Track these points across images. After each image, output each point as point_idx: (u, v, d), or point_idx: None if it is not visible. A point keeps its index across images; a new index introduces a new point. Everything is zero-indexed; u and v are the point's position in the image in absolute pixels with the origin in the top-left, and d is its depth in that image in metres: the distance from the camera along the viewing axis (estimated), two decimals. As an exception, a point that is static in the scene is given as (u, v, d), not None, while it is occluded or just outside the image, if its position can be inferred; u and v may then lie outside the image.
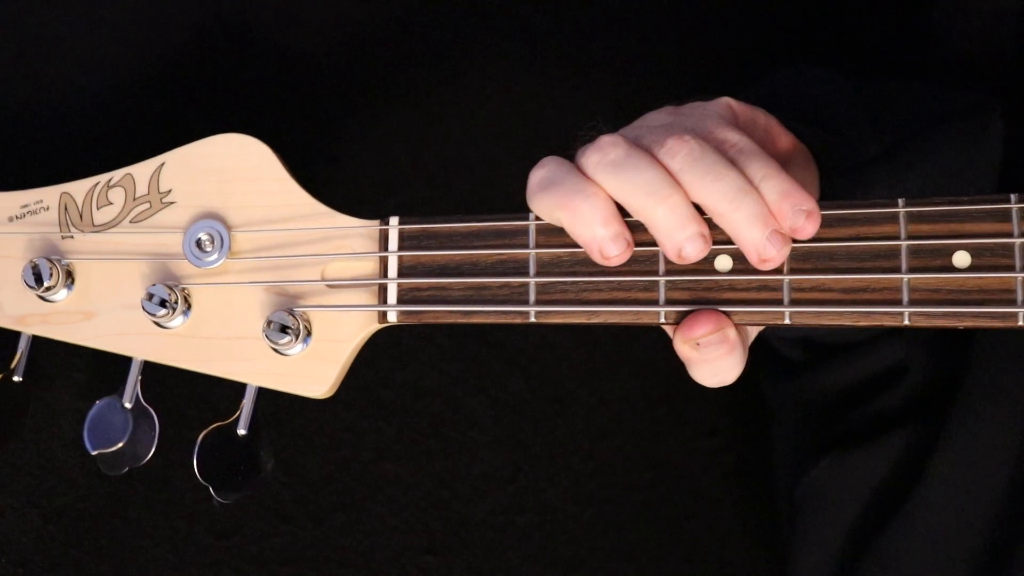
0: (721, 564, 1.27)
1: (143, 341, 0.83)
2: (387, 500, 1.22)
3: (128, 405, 0.83)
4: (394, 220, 0.81)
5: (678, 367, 0.79)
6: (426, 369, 1.23)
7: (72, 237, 0.84)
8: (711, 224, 0.77)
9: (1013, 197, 0.75)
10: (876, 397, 1.09)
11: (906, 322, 0.76)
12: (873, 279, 0.76)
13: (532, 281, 0.79)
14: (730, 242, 0.77)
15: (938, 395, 1.06)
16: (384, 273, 0.81)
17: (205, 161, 0.83)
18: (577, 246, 0.78)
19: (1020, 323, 0.74)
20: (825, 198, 0.90)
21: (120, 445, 0.83)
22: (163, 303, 0.81)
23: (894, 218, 0.76)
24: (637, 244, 0.78)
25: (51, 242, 0.84)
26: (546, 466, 1.24)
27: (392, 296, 0.81)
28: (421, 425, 1.23)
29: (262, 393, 0.83)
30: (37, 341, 0.85)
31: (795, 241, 0.76)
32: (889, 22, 1.27)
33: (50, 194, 0.85)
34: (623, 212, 0.77)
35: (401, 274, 0.81)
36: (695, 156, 0.75)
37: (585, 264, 0.79)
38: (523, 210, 0.80)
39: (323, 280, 0.81)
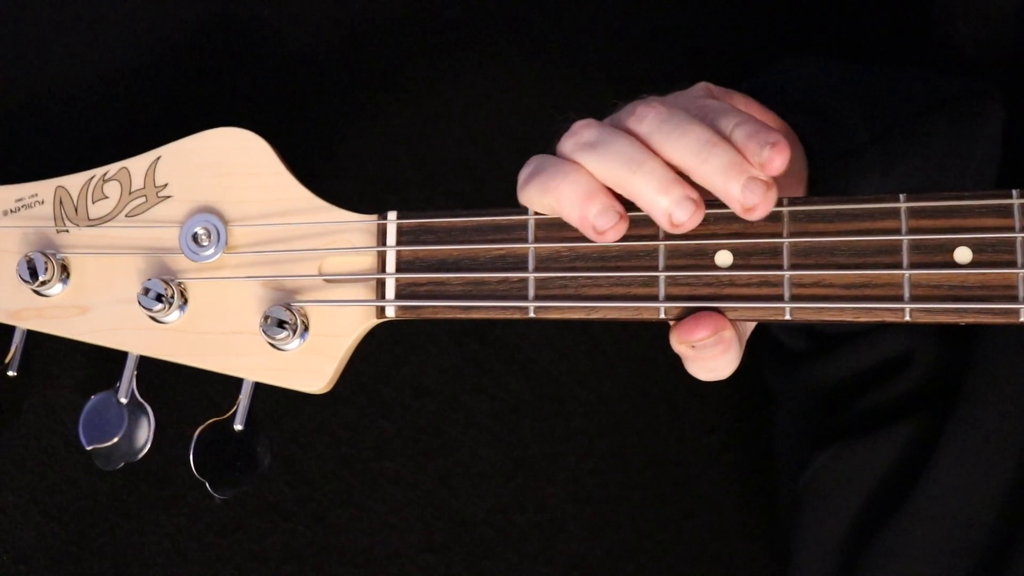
0: (720, 562, 1.27)
1: (139, 336, 0.83)
2: (387, 498, 1.22)
3: (124, 400, 0.83)
4: (392, 215, 0.81)
5: (677, 365, 0.79)
6: (426, 367, 1.23)
7: (67, 231, 0.84)
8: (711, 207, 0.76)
9: (1015, 192, 0.75)
10: (880, 388, 1.09)
11: (907, 318, 0.75)
12: (874, 275, 0.76)
13: (531, 276, 0.79)
14: (730, 237, 0.77)
15: (943, 386, 1.06)
16: (382, 268, 0.81)
17: (202, 155, 0.83)
18: (576, 241, 0.78)
19: (1022, 319, 0.74)
20: (816, 186, 0.89)
21: (115, 440, 0.83)
22: (159, 298, 0.80)
23: (895, 213, 0.76)
24: (636, 239, 0.77)
25: (46, 236, 0.84)
26: (545, 464, 1.24)
27: (390, 291, 0.80)
28: (421, 423, 1.23)
29: (261, 389, 0.83)
30: (35, 337, 0.85)
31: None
32: (889, 18, 1.27)
33: (45, 188, 0.84)
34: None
35: (399, 269, 0.80)
36: (663, 118, 0.75)
37: (584, 259, 0.78)
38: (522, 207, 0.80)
39: (321, 275, 0.81)
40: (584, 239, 0.78)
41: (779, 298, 0.77)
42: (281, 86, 1.21)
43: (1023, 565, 1.00)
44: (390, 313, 0.80)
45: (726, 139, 0.75)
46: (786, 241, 0.77)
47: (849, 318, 0.76)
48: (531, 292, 0.79)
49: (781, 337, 1.13)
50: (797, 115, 0.90)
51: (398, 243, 0.81)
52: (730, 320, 0.77)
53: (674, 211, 0.75)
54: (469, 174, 1.24)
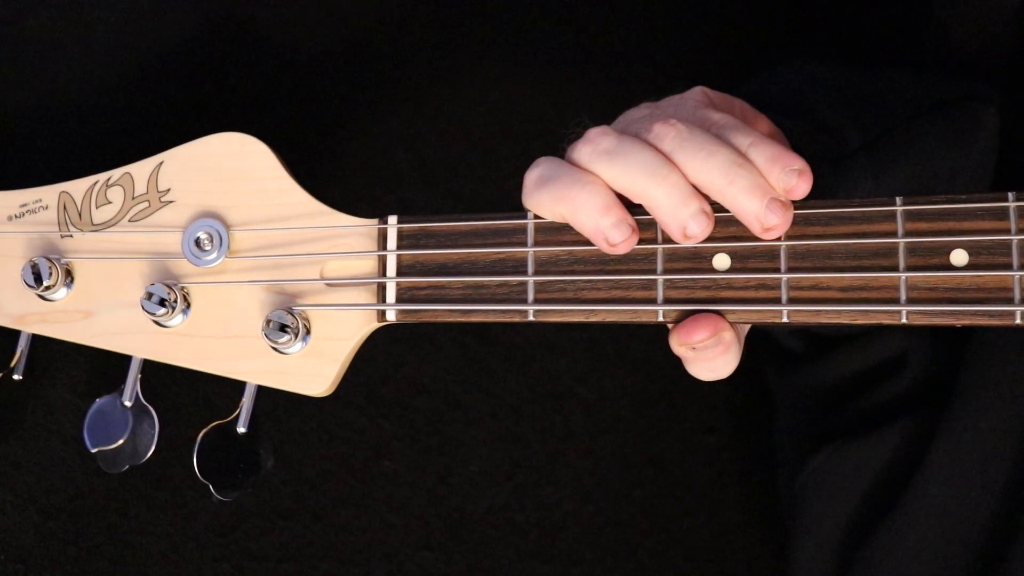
0: (720, 560, 1.27)
1: (142, 340, 0.83)
2: (386, 497, 1.23)
3: (128, 403, 0.84)
4: (393, 219, 0.81)
5: (676, 364, 0.79)
6: (425, 366, 1.23)
7: (71, 236, 0.84)
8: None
9: (1011, 195, 0.75)
10: (876, 389, 1.09)
11: (904, 320, 0.76)
12: (871, 277, 0.76)
13: (530, 280, 0.79)
14: (728, 240, 0.77)
15: (937, 386, 1.06)
16: (383, 272, 0.81)
17: (204, 160, 0.83)
18: (575, 244, 0.78)
19: (1018, 321, 0.74)
20: (810, 191, 0.89)
21: (120, 443, 0.83)
22: (162, 302, 0.81)
23: (891, 216, 0.76)
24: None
25: (50, 241, 0.84)
26: (544, 463, 1.24)
27: (391, 295, 0.81)
28: (420, 422, 1.23)
29: (261, 391, 0.83)
30: (37, 339, 0.85)
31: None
32: (889, 18, 1.27)
33: (49, 193, 0.85)
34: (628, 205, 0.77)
35: (400, 273, 0.81)
36: (684, 137, 0.76)
37: (583, 263, 0.79)
38: (522, 209, 0.80)
39: (322, 279, 0.81)
40: (583, 243, 0.78)
41: (776, 301, 0.77)
42: (281, 87, 1.21)
43: (1017, 563, 1.00)
44: (391, 317, 0.81)
45: (750, 160, 0.75)
46: (783, 244, 0.77)
47: (846, 320, 0.76)
48: (530, 296, 0.79)
49: (779, 339, 1.14)
50: (789, 120, 0.90)
51: (398, 247, 0.81)
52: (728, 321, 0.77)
53: (690, 224, 0.76)
54: (468, 174, 1.24)
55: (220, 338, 0.82)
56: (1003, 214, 0.75)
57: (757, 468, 1.26)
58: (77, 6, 1.18)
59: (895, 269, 0.76)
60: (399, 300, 0.81)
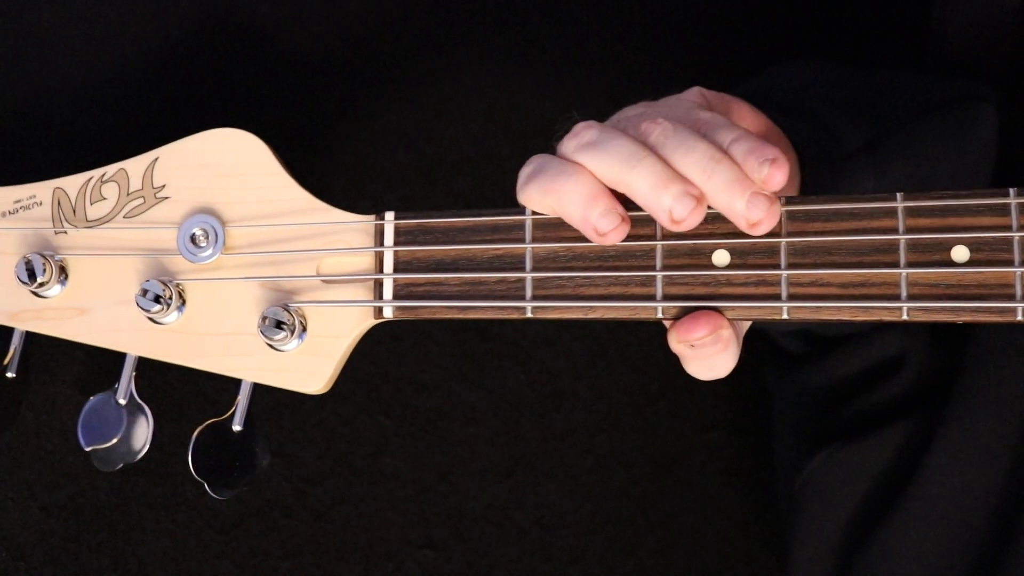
0: (719, 558, 1.27)
1: (137, 337, 0.83)
2: (386, 494, 1.22)
3: (122, 401, 0.83)
4: (390, 215, 0.81)
5: (676, 362, 0.79)
6: (425, 364, 1.23)
7: (65, 232, 0.83)
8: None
9: (1012, 191, 0.75)
10: (874, 389, 1.09)
11: (905, 317, 0.75)
12: (871, 274, 0.76)
13: (528, 276, 0.79)
14: (728, 237, 0.77)
15: (936, 387, 1.06)
16: (380, 268, 0.81)
17: (199, 156, 0.83)
18: (573, 240, 0.78)
19: (1019, 317, 0.74)
20: (809, 191, 0.89)
21: (114, 441, 0.83)
22: (157, 299, 0.80)
23: (892, 213, 0.76)
24: (634, 239, 0.77)
25: (44, 238, 0.84)
26: (544, 461, 1.24)
27: (388, 292, 0.80)
28: (420, 420, 1.23)
29: (259, 388, 0.83)
30: (34, 334, 0.85)
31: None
32: (889, 18, 1.27)
33: (43, 189, 0.84)
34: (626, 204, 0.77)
35: (397, 269, 0.80)
36: (668, 134, 0.75)
37: (582, 259, 0.78)
38: (519, 205, 0.80)
39: (318, 276, 0.81)
40: (581, 239, 0.78)
41: (776, 297, 0.76)
42: (280, 84, 1.21)
43: (1016, 564, 1.00)
44: (388, 314, 0.80)
45: (728, 155, 0.75)
46: (783, 240, 0.77)
47: (846, 317, 0.76)
48: (528, 292, 0.79)
49: (778, 340, 1.14)
50: (789, 120, 0.90)
51: (395, 243, 0.80)
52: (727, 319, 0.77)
53: (675, 207, 0.75)
54: (467, 172, 1.24)
55: (215, 335, 0.82)
56: (1004, 210, 0.75)
57: (756, 466, 1.26)
58: (76, 5, 1.18)
59: (896, 265, 0.75)
60: (396, 297, 0.80)
